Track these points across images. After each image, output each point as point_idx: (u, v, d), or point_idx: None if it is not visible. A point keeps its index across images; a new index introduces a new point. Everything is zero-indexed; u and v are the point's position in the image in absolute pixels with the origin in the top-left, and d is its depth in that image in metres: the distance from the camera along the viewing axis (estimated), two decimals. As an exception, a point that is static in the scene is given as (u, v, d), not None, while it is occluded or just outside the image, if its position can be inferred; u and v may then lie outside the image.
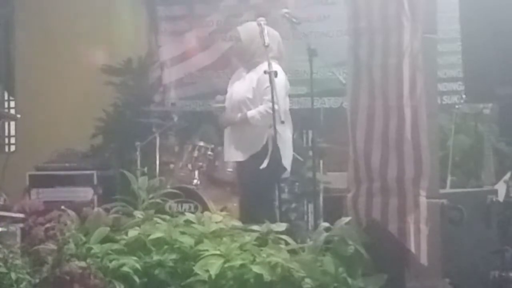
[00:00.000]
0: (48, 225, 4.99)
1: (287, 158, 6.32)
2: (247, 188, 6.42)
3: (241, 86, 6.44)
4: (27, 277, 4.59)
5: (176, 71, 9.17)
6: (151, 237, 4.96)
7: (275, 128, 5.97)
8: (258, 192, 6.24)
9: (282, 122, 5.91)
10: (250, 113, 6.30)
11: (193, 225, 5.17)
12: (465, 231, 5.29)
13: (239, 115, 6.35)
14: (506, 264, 5.47)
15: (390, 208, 4.85)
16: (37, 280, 4.61)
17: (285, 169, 6.32)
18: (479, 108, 7.53)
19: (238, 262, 4.71)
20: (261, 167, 6.15)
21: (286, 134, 6.30)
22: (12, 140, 9.87)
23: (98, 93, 9.03)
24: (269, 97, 5.98)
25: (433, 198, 5.00)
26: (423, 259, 4.79)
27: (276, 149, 6.09)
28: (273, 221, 5.30)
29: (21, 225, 5.30)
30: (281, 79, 6.17)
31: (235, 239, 5.01)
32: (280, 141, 6.10)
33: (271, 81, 5.87)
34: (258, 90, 6.28)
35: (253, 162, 6.26)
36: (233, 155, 6.47)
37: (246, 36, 6.40)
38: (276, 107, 5.89)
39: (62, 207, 5.30)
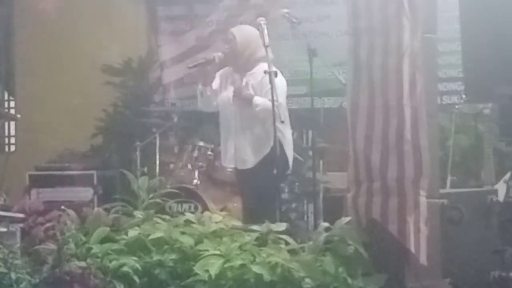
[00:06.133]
0: (48, 225, 5.01)
1: (289, 158, 6.26)
2: (257, 194, 6.15)
3: None
4: (27, 277, 4.59)
5: (176, 71, 9.16)
6: (151, 237, 4.96)
7: (275, 129, 5.92)
8: (266, 196, 6.07)
9: (282, 122, 5.90)
10: (256, 99, 6.12)
11: (193, 225, 5.17)
12: (465, 231, 5.29)
13: (247, 92, 6.18)
14: (506, 264, 5.47)
15: (390, 208, 4.85)
16: (37, 280, 4.61)
17: (288, 167, 6.28)
18: (479, 108, 7.52)
19: (238, 262, 4.71)
20: (274, 172, 5.86)
21: (288, 134, 6.27)
22: (12, 140, 9.85)
23: (98, 93, 9.03)
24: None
25: (433, 198, 5.00)
26: (423, 259, 4.80)
27: (283, 151, 6.05)
28: (273, 221, 5.29)
29: (21, 225, 5.30)
30: (282, 80, 6.16)
31: (235, 239, 5.01)
32: (284, 141, 6.11)
33: (271, 81, 5.86)
34: (259, 92, 6.18)
35: (263, 168, 6.09)
36: (240, 161, 6.29)
37: (242, 39, 6.30)
38: (280, 103, 5.88)
39: (62, 207, 5.31)
